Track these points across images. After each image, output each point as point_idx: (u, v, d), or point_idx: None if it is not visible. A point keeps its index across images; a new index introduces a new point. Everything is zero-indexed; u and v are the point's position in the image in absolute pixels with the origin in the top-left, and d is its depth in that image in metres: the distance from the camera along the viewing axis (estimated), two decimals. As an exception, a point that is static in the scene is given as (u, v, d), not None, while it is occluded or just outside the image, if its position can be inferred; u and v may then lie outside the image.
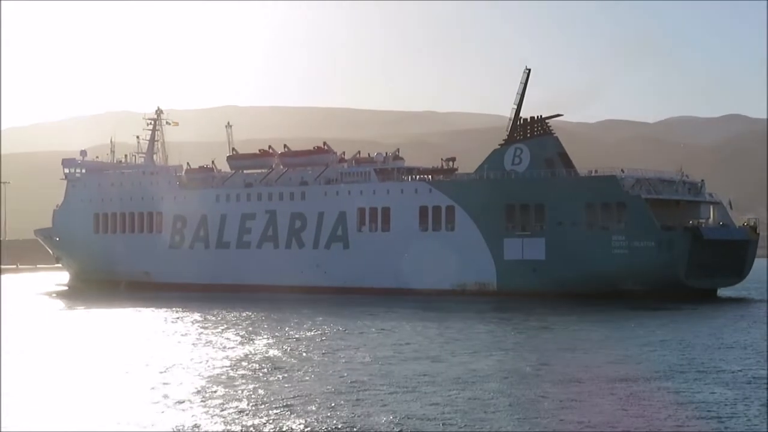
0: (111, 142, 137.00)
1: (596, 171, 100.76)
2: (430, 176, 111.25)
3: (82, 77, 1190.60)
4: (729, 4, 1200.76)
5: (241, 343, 56.08)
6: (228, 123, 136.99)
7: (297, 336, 60.62)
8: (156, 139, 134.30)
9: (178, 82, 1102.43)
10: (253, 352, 51.84)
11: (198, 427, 31.64)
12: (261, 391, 38.36)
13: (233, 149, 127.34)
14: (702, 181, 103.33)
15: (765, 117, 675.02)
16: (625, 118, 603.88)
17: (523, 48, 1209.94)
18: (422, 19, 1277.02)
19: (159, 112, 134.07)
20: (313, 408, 34.48)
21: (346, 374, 42.92)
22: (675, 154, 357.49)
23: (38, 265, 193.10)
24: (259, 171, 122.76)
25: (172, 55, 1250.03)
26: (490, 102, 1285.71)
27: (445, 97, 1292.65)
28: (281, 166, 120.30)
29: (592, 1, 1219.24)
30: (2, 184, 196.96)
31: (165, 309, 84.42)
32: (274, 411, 34.06)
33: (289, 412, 33.83)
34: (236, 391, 38.30)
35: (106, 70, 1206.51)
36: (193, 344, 56.28)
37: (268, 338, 59.16)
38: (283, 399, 36.45)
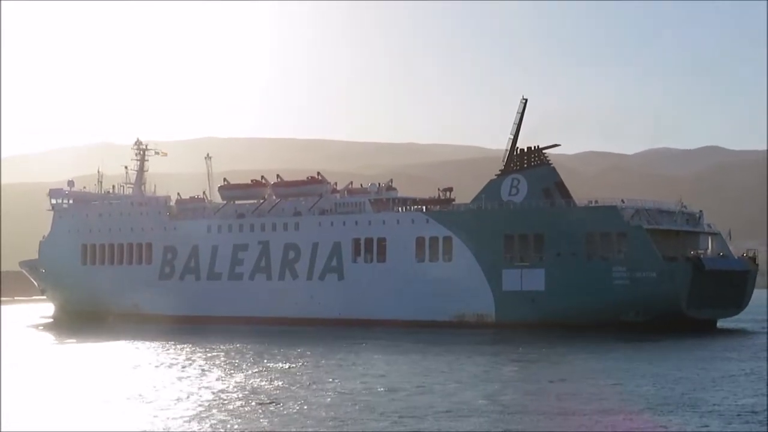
0: (98, 172, 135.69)
1: (596, 201, 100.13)
2: (425, 207, 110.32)
3: (63, 110, 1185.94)
4: (698, 37, 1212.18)
5: (230, 376, 55.46)
6: (207, 155, 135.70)
7: (283, 368, 60.00)
8: (145, 169, 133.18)
9: (157, 114, 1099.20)
10: (243, 385, 51.13)
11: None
12: (244, 424, 38.24)
13: (225, 179, 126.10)
14: (701, 211, 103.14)
15: (740, 149, 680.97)
16: (605, 150, 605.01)
17: (504, 82, 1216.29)
18: (403, 54, 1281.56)
19: (139, 143, 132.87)
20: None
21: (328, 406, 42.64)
22: (655, 186, 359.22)
23: (15, 297, 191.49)
24: (251, 201, 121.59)
25: (150, 87, 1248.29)
26: (469, 134, 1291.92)
27: (426, 129, 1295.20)
28: (274, 197, 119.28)
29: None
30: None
31: (154, 342, 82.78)
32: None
33: None
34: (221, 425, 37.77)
35: (86, 102, 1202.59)
36: (178, 377, 55.27)
37: (256, 370, 58.44)
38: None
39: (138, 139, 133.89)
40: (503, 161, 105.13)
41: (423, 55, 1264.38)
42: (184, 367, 62.17)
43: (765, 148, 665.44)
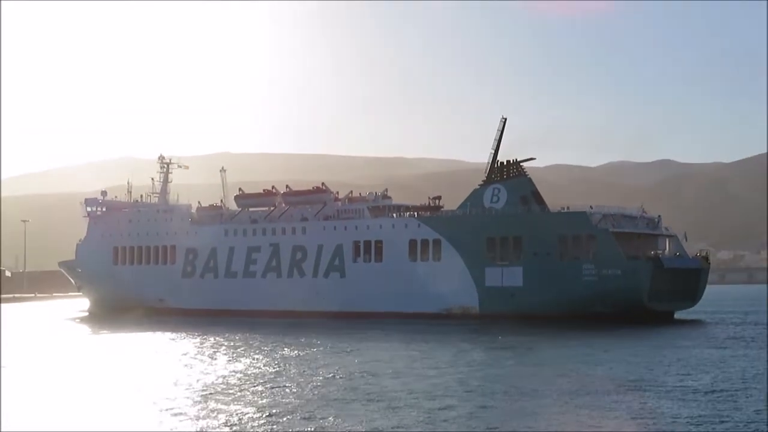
0: (128, 183, 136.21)
1: (568, 208, 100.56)
2: (417, 213, 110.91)
3: (89, 125, 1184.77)
4: (652, 52, 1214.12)
5: (238, 361, 55.99)
6: (222, 168, 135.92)
7: (289, 354, 60.32)
8: (169, 181, 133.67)
9: (176, 131, 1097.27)
10: (248, 368, 51.68)
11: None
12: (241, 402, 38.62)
13: (240, 189, 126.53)
14: (659, 216, 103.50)
15: (691, 162, 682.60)
16: (571, 163, 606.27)
17: (480, 101, 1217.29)
18: (395, 75, 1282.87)
19: (162, 158, 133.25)
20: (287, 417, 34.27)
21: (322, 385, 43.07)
22: (616, 194, 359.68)
23: (54, 294, 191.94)
24: (263, 209, 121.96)
25: (169, 106, 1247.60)
26: (451, 149, 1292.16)
27: (412, 144, 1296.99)
28: (283, 204, 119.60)
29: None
30: (21, 222, 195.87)
31: (178, 332, 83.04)
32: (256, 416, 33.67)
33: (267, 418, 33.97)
34: (234, 403, 38.10)
35: (110, 121, 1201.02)
36: (199, 361, 56.04)
37: (261, 357, 58.67)
38: (265, 407, 36.70)
39: (161, 155, 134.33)
40: (485, 173, 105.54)
41: (410, 76, 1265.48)
42: (201, 353, 62.70)
43: (712, 161, 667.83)
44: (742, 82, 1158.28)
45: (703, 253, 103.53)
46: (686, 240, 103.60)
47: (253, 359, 57.09)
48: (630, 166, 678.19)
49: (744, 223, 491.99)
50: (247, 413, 35.50)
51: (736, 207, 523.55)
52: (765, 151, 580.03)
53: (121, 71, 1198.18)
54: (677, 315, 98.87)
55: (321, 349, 64.22)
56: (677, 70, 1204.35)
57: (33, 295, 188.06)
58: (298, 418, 34.35)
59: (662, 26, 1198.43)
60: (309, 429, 32.02)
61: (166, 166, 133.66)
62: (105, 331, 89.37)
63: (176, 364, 55.11)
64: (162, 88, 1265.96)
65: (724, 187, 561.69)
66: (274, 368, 51.57)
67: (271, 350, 63.30)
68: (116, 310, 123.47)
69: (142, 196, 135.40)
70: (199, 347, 67.37)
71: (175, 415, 35.12)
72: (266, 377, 47.23)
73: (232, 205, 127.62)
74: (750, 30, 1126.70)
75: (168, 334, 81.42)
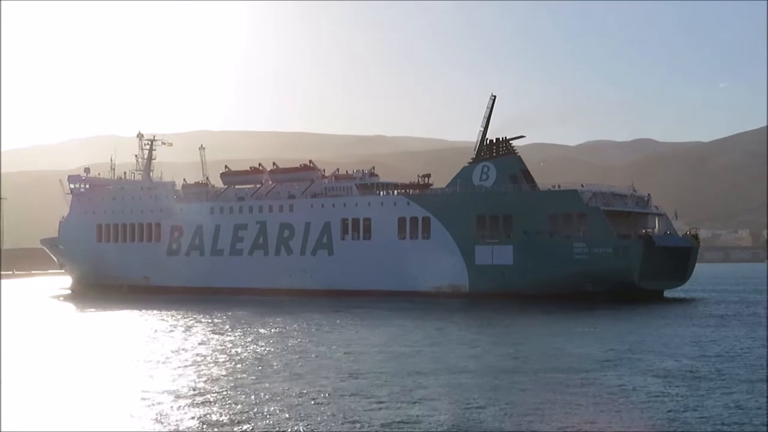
0: (111, 160, 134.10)
1: (558, 186, 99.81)
2: (406, 191, 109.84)
3: (71, 104, 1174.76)
4: (635, 36, 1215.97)
5: (222, 339, 55.70)
6: (201, 146, 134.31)
7: (267, 332, 59.81)
8: (153, 158, 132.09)
9: (155, 108, 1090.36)
10: (230, 346, 51.27)
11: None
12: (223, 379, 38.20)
13: (226, 167, 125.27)
14: (648, 195, 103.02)
15: (668, 141, 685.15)
16: (550, 142, 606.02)
17: (464, 79, 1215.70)
18: (374, 53, 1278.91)
19: (141, 135, 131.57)
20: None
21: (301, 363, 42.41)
22: (596, 173, 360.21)
23: (32, 272, 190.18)
24: (249, 186, 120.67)
25: (151, 83, 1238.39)
26: (433, 127, 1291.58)
27: (393, 122, 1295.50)
28: (270, 182, 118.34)
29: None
30: (1, 200, 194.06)
31: (164, 311, 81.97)
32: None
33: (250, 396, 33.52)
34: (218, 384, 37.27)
35: (93, 97, 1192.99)
36: (182, 340, 55.35)
37: (244, 334, 58.34)
38: (250, 387, 36.15)
39: (140, 132, 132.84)
40: (474, 150, 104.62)
41: (390, 53, 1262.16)
42: (186, 331, 62.05)
43: (690, 140, 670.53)
44: (721, 62, 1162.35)
45: (693, 232, 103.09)
46: (676, 218, 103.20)
47: (234, 336, 56.82)
48: (608, 144, 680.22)
49: (721, 203, 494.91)
50: (212, 390, 35.21)
51: (713, 186, 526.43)
52: (743, 130, 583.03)
53: (100, 49, 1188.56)
54: (666, 293, 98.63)
55: (298, 326, 63.78)
56: (656, 49, 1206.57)
57: (11, 272, 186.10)
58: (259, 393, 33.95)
59: (641, 5, 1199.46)
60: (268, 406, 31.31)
61: (149, 143, 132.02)
62: (91, 310, 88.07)
63: (150, 340, 54.61)
64: (140, 65, 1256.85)
65: (702, 167, 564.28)
66: (245, 346, 51.36)
67: (249, 328, 62.66)
68: (99, 287, 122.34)
69: (125, 173, 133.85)
70: (181, 325, 66.55)
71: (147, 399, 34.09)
72: (235, 354, 46.99)
73: (215, 183, 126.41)
74: (730, 9, 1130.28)
75: (153, 312, 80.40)
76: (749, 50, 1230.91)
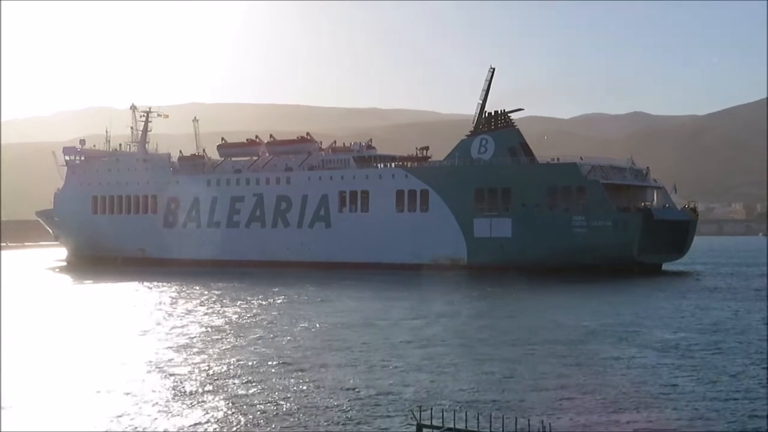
0: (106, 132, 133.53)
1: (558, 159, 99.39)
2: (404, 163, 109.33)
3: (64, 76, 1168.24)
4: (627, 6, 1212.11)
5: (219, 310, 56.41)
6: (195, 118, 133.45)
7: (262, 303, 60.30)
8: (149, 130, 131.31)
9: (148, 80, 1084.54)
10: (227, 317, 52.05)
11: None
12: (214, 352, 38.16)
13: (223, 138, 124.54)
14: (647, 168, 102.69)
15: (663, 114, 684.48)
16: (544, 115, 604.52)
17: (458, 52, 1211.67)
18: (368, 26, 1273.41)
19: (134, 107, 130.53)
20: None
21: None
22: (590, 146, 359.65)
23: (25, 243, 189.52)
24: (246, 158, 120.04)
25: (145, 55, 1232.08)
26: (427, 100, 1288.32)
27: (387, 95, 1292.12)
28: (267, 154, 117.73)
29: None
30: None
31: (160, 282, 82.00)
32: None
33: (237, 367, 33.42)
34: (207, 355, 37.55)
35: (86, 69, 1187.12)
36: (183, 311, 55.99)
37: (238, 306, 58.78)
38: (237, 357, 36.43)
39: (133, 104, 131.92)
40: (473, 123, 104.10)
41: (385, 27, 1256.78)
42: (178, 302, 62.37)
43: (686, 114, 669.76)
44: (716, 36, 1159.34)
45: (692, 205, 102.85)
46: (675, 192, 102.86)
47: (232, 308, 57.24)
48: (603, 117, 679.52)
49: (715, 176, 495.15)
50: (201, 365, 35.12)
51: (707, 160, 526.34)
52: (738, 104, 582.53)
53: (93, 21, 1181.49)
54: (665, 267, 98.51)
55: (289, 298, 63.91)
56: (652, 22, 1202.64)
57: (4, 244, 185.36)
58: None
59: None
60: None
61: (145, 114, 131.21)
62: (88, 281, 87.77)
63: (148, 314, 54.55)
64: (133, 38, 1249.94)
65: (697, 140, 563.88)
66: (247, 316, 52.09)
67: (247, 299, 63.17)
68: (94, 259, 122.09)
69: (120, 145, 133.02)
70: (177, 297, 66.62)
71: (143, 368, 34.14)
72: (229, 327, 47.16)
73: (211, 155, 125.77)
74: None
75: (149, 284, 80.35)
76: (742, 25, 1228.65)
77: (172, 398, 28.57)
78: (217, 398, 28.50)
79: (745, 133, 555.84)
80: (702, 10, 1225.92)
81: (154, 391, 29.53)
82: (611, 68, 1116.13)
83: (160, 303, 61.87)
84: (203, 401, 28.08)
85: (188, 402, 27.98)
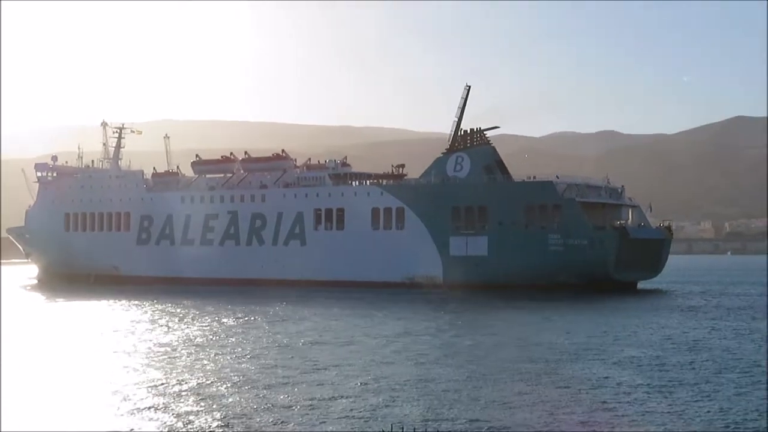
0: (79, 149, 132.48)
1: (534, 177, 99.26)
2: (380, 181, 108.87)
3: (32, 93, 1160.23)
4: (595, 32, 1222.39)
5: (186, 328, 55.94)
6: (166, 135, 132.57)
7: (229, 323, 59.61)
8: (122, 146, 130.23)
9: (122, 96, 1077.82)
10: (192, 335, 51.50)
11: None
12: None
13: (197, 156, 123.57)
14: (622, 186, 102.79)
15: (633, 132, 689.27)
16: (516, 133, 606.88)
17: (435, 67, 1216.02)
18: (341, 43, 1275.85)
19: (105, 124, 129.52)
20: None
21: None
22: (562, 164, 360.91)
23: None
24: (220, 175, 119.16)
25: (117, 71, 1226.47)
26: (400, 117, 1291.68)
27: (360, 113, 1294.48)
28: (242, 171, 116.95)
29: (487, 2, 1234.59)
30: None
31: (133, 300, 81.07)
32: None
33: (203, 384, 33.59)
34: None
35: (56, 86, 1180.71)
36: (147, 330, 55.40)
37: (206, 324, 58.50)
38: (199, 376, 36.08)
39: (104, 121, 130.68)
40: (449, 141, 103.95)
41: (357, 43, 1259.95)
42: (156, 321, 61.68)
43: (655, 132, 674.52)
44: (685, 55, 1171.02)
45: (666, 224, 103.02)
46: (651, 210, 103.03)
47: (198, 326, 56.82)
48: (574, 136, 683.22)
49: (684, 195, 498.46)
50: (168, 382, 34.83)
51: (676, 178, 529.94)
52: (707, 123, 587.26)
53: (62, 37, 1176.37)
54: (640, 285, 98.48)
55: (258, 317, 63.19)
56: (620, 40, 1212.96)
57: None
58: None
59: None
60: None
61: (118, 131, 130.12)
62: (60, 299, 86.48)
63: (119, 332, 53.86)
64: (102, 55, 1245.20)
65: (666, 159, 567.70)
66: (213, 335, 51.53)
67: (216, 317, 62.70)
68: (67, 277, 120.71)
69: (93, 161, 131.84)
70: (149, 315, 65.89)
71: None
72: (205, 343, 47.05)
73: (185, 172, 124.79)
74: (694, 4, 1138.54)
75: (122, 302, 79.31)
76: (712, 44, 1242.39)
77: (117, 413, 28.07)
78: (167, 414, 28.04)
79: (714, 151, 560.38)
80: (671, 28, 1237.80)
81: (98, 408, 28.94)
82: (583, 87, 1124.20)
83: (129, 322, 60.89)
84: (154, 418, 27.75)
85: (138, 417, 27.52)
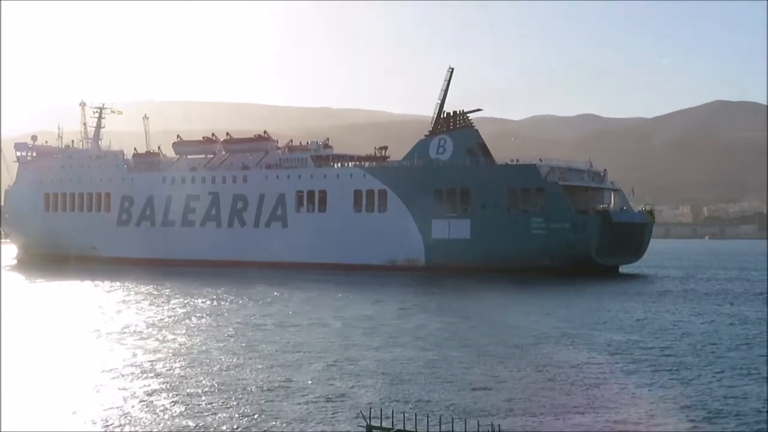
0: (59, 128, 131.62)
1: (517, 160, 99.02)
2: (362, 163, 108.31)
3: (11, 72, 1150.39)
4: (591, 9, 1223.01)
5: (162, 310, 55.56)
6: (145, 115, 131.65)
7: (205, 304, 59.48)
8: (102, 126, 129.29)
9: (103, 77, 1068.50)
10: (168, 317, 51.42)
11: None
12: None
13: (178, 136, 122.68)
14: (605, 170, 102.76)
15: (612, 116, 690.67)
16: (495, 116, 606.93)
17: (414, 49, 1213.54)
18: (320, 25, 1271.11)
19: (83, 104, 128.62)
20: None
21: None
22: (541, 148, 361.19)
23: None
24: (202, 156, 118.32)
25: (98, 52, 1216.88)
26: (378, 99, 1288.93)
27: (341, 94, 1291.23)
28: (224, 152, 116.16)
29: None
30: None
31: (113, 281, 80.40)
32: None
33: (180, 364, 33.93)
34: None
35: (35, 66, 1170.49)
36: (123, 310, 55.48)
37: (181, 305, 58.35)
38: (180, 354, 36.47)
39: (83, 101, 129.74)
40: (431, 123, 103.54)
41: (336, 24, 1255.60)
42: (129, 302, 61.46)
43: (634, 116, 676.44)
44: (665, 38, 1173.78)
45: (648, 208, 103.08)
46: (633, 195, 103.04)
47: (173, 307, 56.69)
48: (553, 119, 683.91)
49: (663, 179, 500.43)
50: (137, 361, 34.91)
51: (655, 162, 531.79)
52: (686, 107, 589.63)
53: (43, 16, 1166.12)
54: (622, 269, 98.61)
55: (232, 299, 62.79)
56: (601, 24, 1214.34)
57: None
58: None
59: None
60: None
61: (99, 111, 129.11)
62: (40, 280, 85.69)
63: (93, 313, 53.43)
64: (86, 35, 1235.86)
65: (645, 143, 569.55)
66: (170, 318, 51.09)
67: (185, 300, 62.18)
68: (46, 257, 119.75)
69: (72, 141, 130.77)
70: (126, 297, 65.20)
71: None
72: (179, 325, 47.16)
73: (166, 153, 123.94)
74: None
75: (100, 284, 78.63)
76: (692, 27, 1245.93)
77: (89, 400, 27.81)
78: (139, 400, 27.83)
79: (692, 136, 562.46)
80: (652, 11, 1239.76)
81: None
82: (562, 70, 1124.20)
83: (104, 303, 60.43)
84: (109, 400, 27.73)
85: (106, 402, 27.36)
